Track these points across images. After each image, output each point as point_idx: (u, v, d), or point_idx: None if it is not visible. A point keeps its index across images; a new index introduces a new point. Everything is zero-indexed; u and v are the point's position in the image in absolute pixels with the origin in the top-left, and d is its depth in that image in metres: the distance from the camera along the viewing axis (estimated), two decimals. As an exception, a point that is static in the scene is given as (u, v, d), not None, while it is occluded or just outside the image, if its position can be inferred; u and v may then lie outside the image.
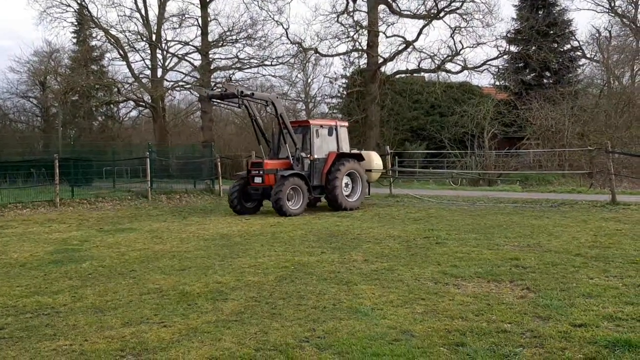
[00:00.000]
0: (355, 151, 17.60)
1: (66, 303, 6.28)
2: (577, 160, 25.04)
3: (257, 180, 15.76)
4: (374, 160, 18.16)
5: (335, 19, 34.97)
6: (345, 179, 16.48)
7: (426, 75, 37.51)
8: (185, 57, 37.39)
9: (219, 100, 16.38)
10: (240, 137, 41.93)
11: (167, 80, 37.70)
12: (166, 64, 37.03)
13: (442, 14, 33.85)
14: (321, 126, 16.66)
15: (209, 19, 36.37)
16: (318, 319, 5.40)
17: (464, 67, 34.37)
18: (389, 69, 37.07)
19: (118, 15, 37.60)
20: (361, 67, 36.92)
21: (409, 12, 34.90)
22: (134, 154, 28.62)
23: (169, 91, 38.77)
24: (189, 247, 10.13)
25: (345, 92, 39.76)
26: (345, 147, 17.03)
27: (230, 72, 37.56)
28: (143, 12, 35.83)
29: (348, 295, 6.28)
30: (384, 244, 9.81)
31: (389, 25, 35.42)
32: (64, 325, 5.44)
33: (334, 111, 43.46)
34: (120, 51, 36.02)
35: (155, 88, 35.89)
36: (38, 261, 9.03)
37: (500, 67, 35.84)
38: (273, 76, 38.24)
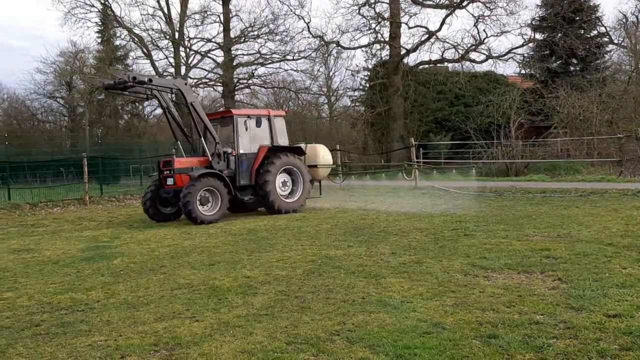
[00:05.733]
0: (301, 144, 15.72)
1: (99, 299, 6.39)
2: (606, 149, 24.62)
3: (169, 181, 13.72)
4: (321, 154, 16.01)
5: (357, 11, 34.91)
6: (283, 177, 14.55)
7: (450, 65, 37.19)
8: (208, 54, 37.68)
9: (119, 91, 14.11)
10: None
11: (190, 78, 38.00)
12: (189, 61, 37.35)
13: (465, 3, 33.51)
14: (248, 117, 14.49)
15: (230, 15, 36.62)
16: (347, 313, 5.41)
17: (489, 56, 34.00)
18: (411, 60, 36.92)
19: (141, 14, 38.05)
20: (383, 58, 36.75)
21: (431, 2, 34.61)
22: (160, 151, 28.95)
23: (193, 88, 39.06)
24: (217, 242, 10.22)
25: (367, 85, 39.62)
26: (283, 140, 15.03)
27: (253, 67, 37.74)
28: (166, 10, 36.19)
29: (377, 288, 6.26)
30: (411, 236, 9.76)
31: (411, 16, 35.20)
32: (98, 321, 5.53)
33: (357, 104, 43.39)
34: (144, 50, 36.45)
35: (179, 85, 36.15)
36: (70, 258, 9.21)
37: (526, 55, 35.35)
38: (295, 70, 38.30)
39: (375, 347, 4.47)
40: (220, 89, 39.98)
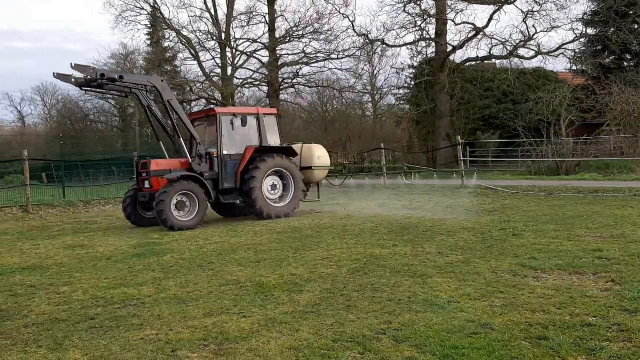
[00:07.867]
0: (297, 144, 14.94)
1: (151, 294, 6.56)
2: (662, 147, 23.66)
3: (146, 184, 13.02)
4: (316, 154, 14.84)
5: (402, 9, 34.66)
6: (273, 180, 13.71)
7: (498, 62, 36.48)
8: (254, 55, 38.09)
9: (93, 89, 13.07)
10: (307, 132, 42.28)
11: (236, 78, 38.55)
12: (235, 61, 37.82)
13: (513, -1, 32.79)
14: (234, 115, 13.52)
15: (275, 16, 36.89)
16: (394, 312, 5.39)
17: (538, 52, 33.17)
18: (458, 57, 36.38)
19: (189, 16, 38.64)
20: (429, 56, 36.39)
21: (478, -2, 34.04)
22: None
23: (239, 88, 39.61)
24: (263, 239, 10.34)
25: (412, 83, 39.28)
26: (274, 141, 14.05)
27: (297, 67, 37.96)
28: (213, 11, 36.77)
29: (423, 288, 6.22)
30: (458, 236, 9.64)
31: (457, 13, 34.68)
32: (150, 316, 5.68)
33: (401, 102, 43.07)
34: (192, 51, 37.15)
35: (226, 86, 36.76)
36: (122, 254, 9.49)
37: (577, 51, 34.28)
38: (339, 69, 38.30)
39: (422, 346, 4.45)
40: (265, 88, 40.39)
